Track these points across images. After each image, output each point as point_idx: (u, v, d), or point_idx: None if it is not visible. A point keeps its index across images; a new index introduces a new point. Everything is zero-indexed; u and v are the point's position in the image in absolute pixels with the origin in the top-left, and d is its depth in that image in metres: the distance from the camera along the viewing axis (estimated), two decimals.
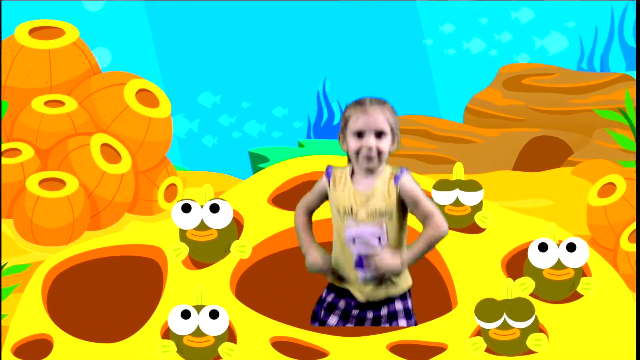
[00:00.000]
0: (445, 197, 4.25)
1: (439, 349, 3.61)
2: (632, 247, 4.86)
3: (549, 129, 7.18)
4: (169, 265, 3.99)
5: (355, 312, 3.61)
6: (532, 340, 3.58)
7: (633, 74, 7.50)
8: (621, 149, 6.14)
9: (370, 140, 3.44)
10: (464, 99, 7.59)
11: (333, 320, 3.63)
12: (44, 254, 5.15)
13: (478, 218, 4.25)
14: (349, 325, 3.62)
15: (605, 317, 3.78)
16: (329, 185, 3.55)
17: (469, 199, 4.25)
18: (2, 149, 5.44)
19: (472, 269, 4.00)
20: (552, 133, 7.13)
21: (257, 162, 7.59)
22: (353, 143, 3.47)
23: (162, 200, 5.78)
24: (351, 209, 3.49)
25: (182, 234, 3.98)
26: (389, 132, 3.47)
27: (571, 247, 3.86)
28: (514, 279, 3.90)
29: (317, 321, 3.68)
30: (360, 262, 3.51)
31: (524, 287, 3.85)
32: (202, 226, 3.95)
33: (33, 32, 5.69)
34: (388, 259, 3.47)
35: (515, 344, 3.56)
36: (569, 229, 4.37)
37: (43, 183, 5.36)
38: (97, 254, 4.14)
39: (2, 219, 5.36)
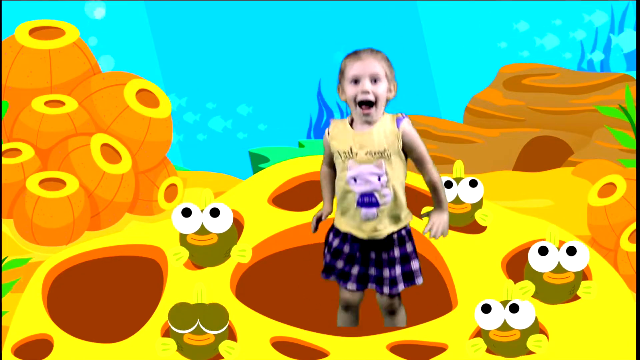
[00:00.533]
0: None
1: (439, 349, 3.61)
2: (633, 247, 4.85)
3: (549, 129, 7.17)
4: (169, 266, 3.98)
5: (358, 254, 3.69)
6: (532, 342, 3.57)
7: (633, 74, 7.49)
8: (621, 148, 6.13)
9: (366, 85, 3.57)
10: (464, 99, 7.58)
11: (339, 264, 3.72)
12: (44, 254, 5.14)
13: (478, 216, 4.25)
14: (354, 268, 3.69)
15: (606, 317, 3.78)
16: (328, 135, 3.68)
17: (469, 196, 4.25)
18: (2, 149, 5.43)
19: (472, 269, 4.00)
20: (552, 133, 7.12)
21: (257, 162, 7.58)
22: (350, 90, 3.60)
23: (162, 201, 5.78)
24: (350, 150, 3.60)
25: (183, 238, 3.98)
26: (384, 77, 3.60)
27: (571, 251, 3.86)
28: (514, 279, 3.90)
29: (330, 273, 3.73)
30: (362, 201, 3.59)
31: (524, 290, 3.84)
32: (203, 230, 3.95)
33: (33, 32, 5.69)
34: (444, 221, 3.64)
35: (516, 345, 3.56)
36: (569, 229, 4.37)
37: (43, 183, 5.35)
38: (97, 254, 4.14)
39: (2, 219, 5.36)
